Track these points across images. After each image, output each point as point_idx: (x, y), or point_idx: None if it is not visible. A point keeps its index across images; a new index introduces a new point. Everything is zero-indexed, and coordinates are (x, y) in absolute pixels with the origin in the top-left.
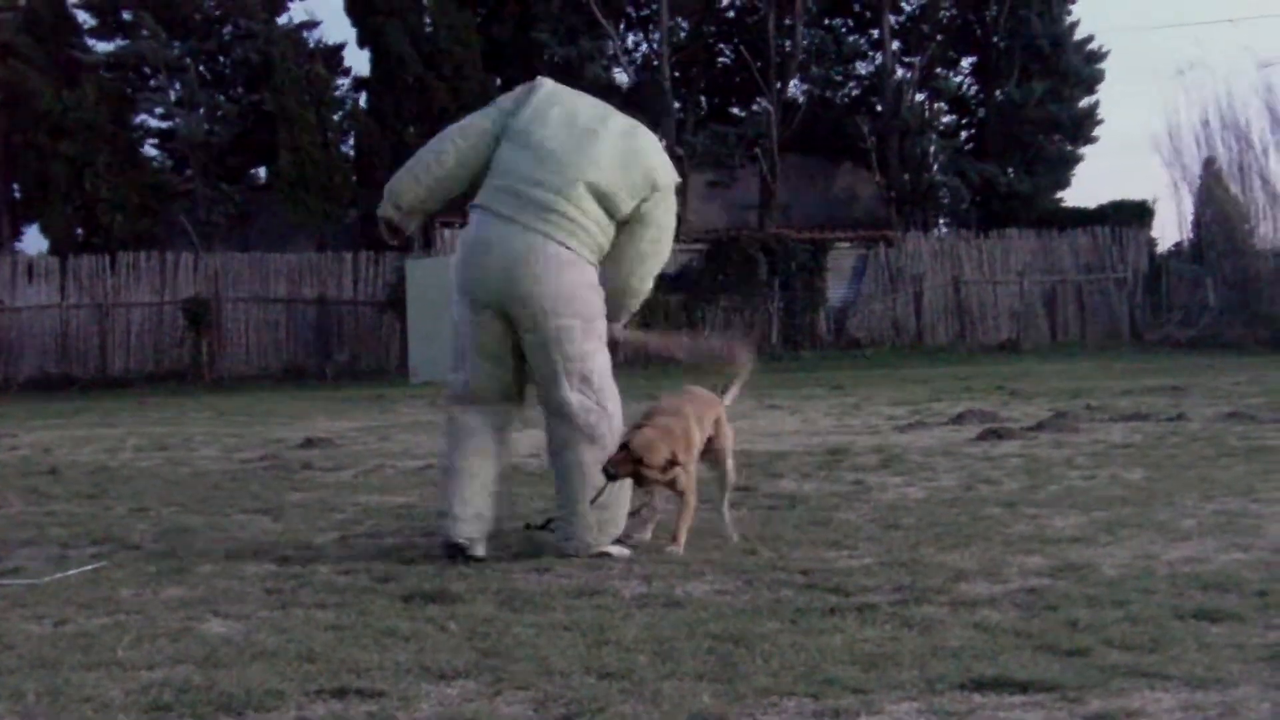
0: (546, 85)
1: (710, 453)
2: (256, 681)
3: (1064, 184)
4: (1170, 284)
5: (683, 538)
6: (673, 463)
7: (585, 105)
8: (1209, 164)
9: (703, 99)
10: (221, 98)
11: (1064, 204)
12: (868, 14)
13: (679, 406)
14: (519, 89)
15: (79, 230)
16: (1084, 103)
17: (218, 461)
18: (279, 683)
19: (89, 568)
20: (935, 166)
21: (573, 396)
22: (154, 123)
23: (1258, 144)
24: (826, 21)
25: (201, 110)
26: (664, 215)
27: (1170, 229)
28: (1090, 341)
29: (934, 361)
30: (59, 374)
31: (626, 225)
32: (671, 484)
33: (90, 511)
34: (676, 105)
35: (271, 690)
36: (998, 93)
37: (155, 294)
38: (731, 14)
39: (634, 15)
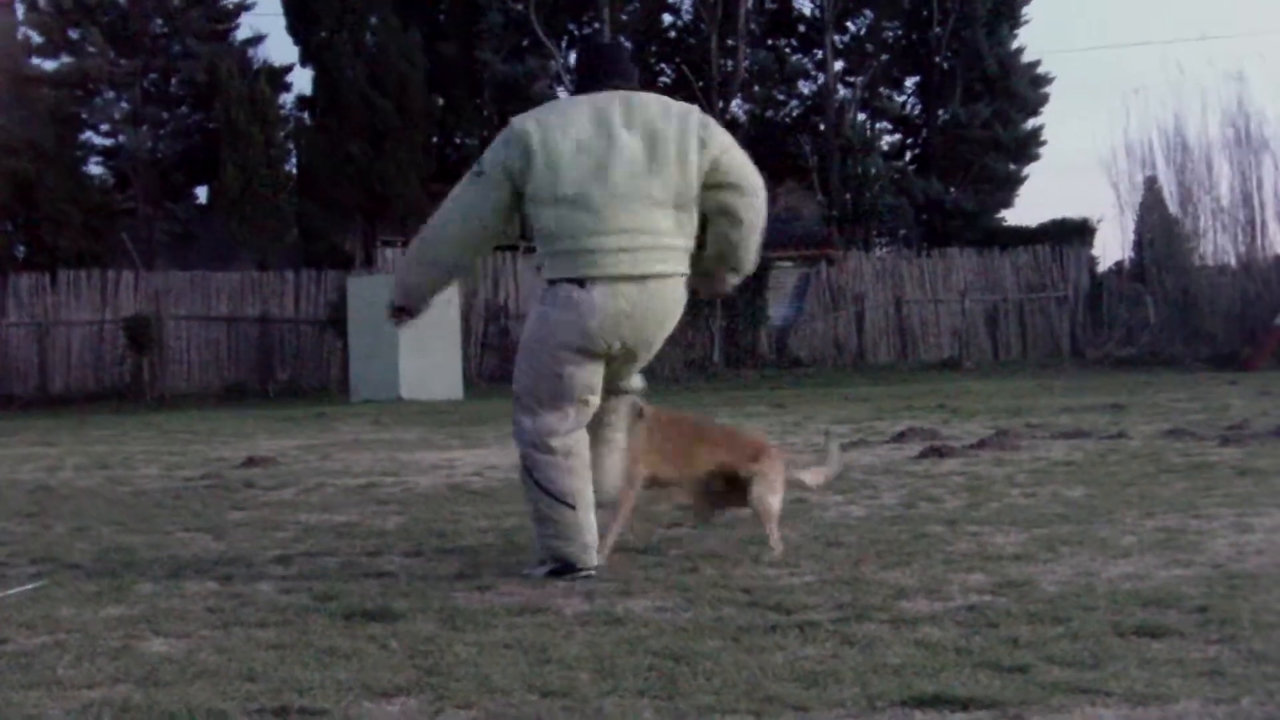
0: (527, 128)
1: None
2: (198, 700)
3: (1007, 203)
4: (1111, 302)
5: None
6: None
7: (575, 119)
8: (1151, 182)
9: None
10: (166, 114)
11: (1006, 223)
12: (811, 34)
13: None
14: (499, 143)
15: (20, 248)
16: (1028, 124)
17: (159, 480)
18: (220, 701)
19: (29, 587)
20: (878, 186)
21: (637, 380)
22: (98, 140)
23: (1204, 162)
24: (769, 41)
25: (145, 127)
26: (731, 149)
27: (1113, 247)
28: (1031, 359)
29: (875, 380)
30: None
31: (712, 178)
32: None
33: (30, 530)
34: None
35: (213, 709)
36: (941, 112)
37: (96, 312)
38: (673, 34)
39: (576, 34)
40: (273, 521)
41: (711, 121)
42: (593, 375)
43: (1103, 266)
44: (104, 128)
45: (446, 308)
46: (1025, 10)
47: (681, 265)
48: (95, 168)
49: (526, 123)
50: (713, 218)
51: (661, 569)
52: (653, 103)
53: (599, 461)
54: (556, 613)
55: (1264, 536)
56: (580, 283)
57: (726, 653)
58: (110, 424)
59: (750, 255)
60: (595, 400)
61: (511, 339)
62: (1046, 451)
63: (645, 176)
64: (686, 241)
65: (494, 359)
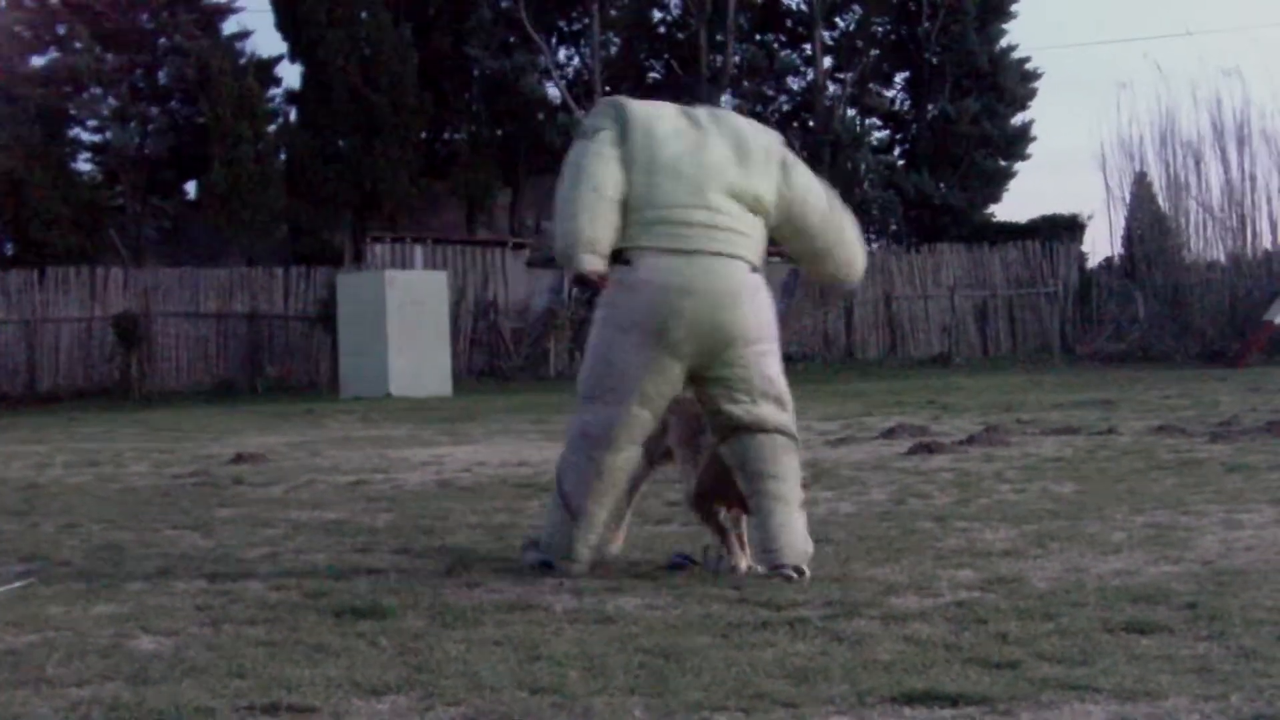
0: (620, 100)
1: None
2: (186, 698)
3: (997, 198)
4: (1100, 298)
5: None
6: None
7: (666, 110)
8: (1141, 178)
9: None
10: (154, 110)
11: (995, 219)
12: (800, 29)
13: None
14: (595, 113)
15: (9, 245)
16: (1017, 119)
17: (148, 477)
18: (209, 699)
19: (18, 585)
20: (867, 181)
21: (768, 409)
22: (86, 136)
23: (1194, 157)
24: (758, 37)
25: (133, 123)
26: (809, 180)
27: (1102, 243)
28: (1021, 355)
29: (865, 376)
30: None
31: (793, 220)
32: None
33: (19, 528)
34: None
35: (202, 707)
36: (930, 107)
37: (85, 309)
38: (663, 29)
39: (566, 30)
40: (262, 519)
41: (792, 155)
42: (646, 370)
43: (1092, 262)
44: (91, 124)
45: (436, 304)
46: (1014, 6)
47: (748, 253)
48: (84, 164)
49: (618, 98)
50: (810, 262)
51: (651, 566)
52: (739, 118)
53: (765, 521)
54: (546, 610)
55: (1253, 533)
56: (626, 261)
57: (716, 650)
58: (99, 421)
59: (854, 260)
60: (645, 415)
61: (500, 335)
62: (1036, 448)
63: (733, 168)
64: (756, 239)
65: (483, 356)
